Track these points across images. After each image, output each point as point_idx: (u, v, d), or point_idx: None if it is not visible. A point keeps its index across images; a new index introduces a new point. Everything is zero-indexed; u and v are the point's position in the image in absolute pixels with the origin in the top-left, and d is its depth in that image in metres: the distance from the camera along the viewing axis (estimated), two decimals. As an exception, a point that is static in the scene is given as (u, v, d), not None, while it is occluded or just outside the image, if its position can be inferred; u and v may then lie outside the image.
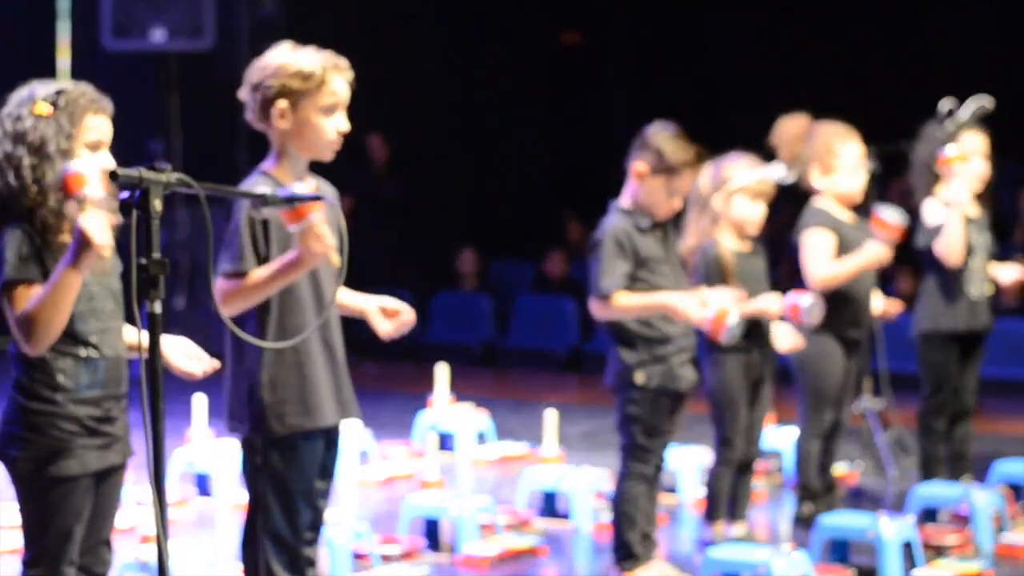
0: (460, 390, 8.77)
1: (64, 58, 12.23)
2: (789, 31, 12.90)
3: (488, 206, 12.84)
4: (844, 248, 6.33)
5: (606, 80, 14.02)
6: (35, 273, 3.85)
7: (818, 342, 6.28)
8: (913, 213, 6.67)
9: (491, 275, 12.75)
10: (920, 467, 7.02)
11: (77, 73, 12.78)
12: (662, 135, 5.48)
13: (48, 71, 12.84)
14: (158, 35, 10.75)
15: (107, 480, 4.06)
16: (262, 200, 3.98)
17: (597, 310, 5.49)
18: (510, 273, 12.98)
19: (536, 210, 13.06)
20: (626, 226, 5.49)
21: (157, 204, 3.46)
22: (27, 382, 3.95)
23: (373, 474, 7.59)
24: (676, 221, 5.80)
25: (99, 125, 3.99)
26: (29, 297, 3.82)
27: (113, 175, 3.45)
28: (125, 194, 3.50)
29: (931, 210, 6.69)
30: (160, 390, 3.47)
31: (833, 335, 6.33)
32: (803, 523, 6.45)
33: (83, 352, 3.97)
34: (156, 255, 3.45)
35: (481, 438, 8.21)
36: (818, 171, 6.33)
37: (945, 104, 6.77)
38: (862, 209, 6.63)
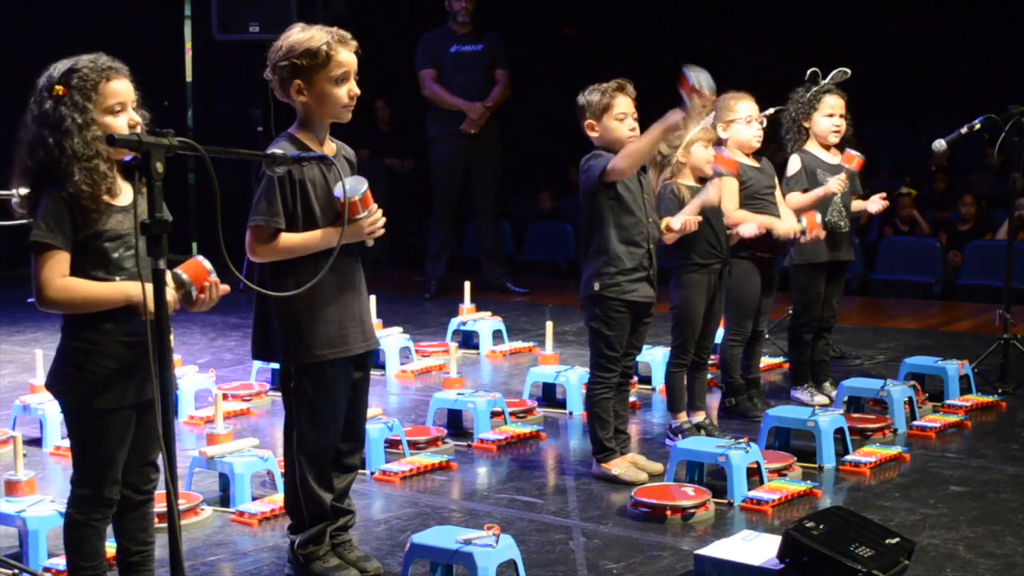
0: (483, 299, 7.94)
1: (189, 49, 11.31)
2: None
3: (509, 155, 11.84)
4: (745, 184, 5.47)
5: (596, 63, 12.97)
6: (59, 240, 3.03)
7: (741, 266, 5.44)
8: (782, 165, 5.78)
9: (510, 206, 11.96)
10: (790, 372, 6.05)
11: (198, 58, 12.04)
12: (581, 96, 4.66)
13: (179, 58, 12.10)
14: (253, 28, 9.91)
15: (150, 410, 3.23)
16: (271, 159, 3.12)
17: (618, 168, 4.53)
18: (524, 205, 12.14)
19: (546, 160, 12.15)
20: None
21: (159, 166, 2.58)
22: (74, 325, 3.14)
23: (411, 368, 6.71)
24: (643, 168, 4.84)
25: (117, 89, 3.11)
26: (51, 260, 3.01)
27: (111, 139, 2.56)
28: (129, 157, 2.63)
29: (793, 163, 5.80)
30: (167, 343, 2.61)
31: (752, 259, 5.48)
32: (728, 412, 5.63)
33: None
34: (159, 215, 2.57)
35: (496, 337, 7.31)
36: (722, 126, 5.45)
37: (810, 72, 5.79)
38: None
